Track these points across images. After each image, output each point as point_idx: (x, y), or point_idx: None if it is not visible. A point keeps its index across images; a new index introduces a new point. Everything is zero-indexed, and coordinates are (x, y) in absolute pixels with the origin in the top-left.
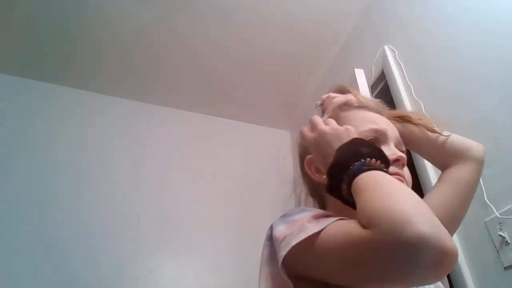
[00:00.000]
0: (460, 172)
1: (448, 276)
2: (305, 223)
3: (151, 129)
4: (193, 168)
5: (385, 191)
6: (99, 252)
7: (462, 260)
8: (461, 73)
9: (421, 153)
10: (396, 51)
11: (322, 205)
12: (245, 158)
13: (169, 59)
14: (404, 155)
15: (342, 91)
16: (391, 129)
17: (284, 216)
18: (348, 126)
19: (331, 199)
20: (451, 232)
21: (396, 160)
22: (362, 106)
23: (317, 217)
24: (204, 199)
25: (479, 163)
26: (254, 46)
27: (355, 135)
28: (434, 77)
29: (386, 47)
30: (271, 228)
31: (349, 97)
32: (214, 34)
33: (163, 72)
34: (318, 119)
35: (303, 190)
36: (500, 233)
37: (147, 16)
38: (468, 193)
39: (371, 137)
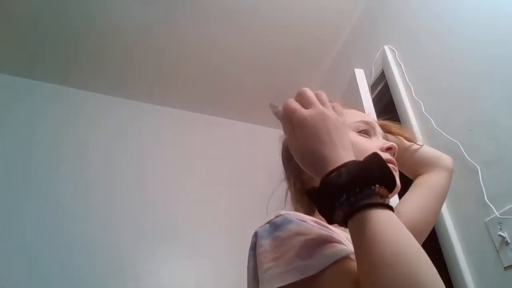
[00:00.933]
0: (433, 179)
1: (448, 276)
2: (293, 257)
3: (152, 129)
4: (193, 168)
5: (395, 249)
6: (99, 252)
7: (462, 260)
8: (461, 73)
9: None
10: (396, 51)
11: (308, 211)
12: (245, 158)
13: (169, 60)
14: (395, 145)
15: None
16: (378, 125)
17: (271, 224)
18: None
19: None
20: (425, 234)
21: (389, 148)
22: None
23: (310, 247)
24: (205, 199)
25: (449, 171)
26: (254, 46)
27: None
28: (434, 77)
29: (386, 47)
30: (255, 235)
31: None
32: (214, 34)
33: (163, 73)
34: (312, 95)
35: (287, 186)
36: (500, 233)
37: (148, 17)
38: (441, 198)
39: (362, 129)
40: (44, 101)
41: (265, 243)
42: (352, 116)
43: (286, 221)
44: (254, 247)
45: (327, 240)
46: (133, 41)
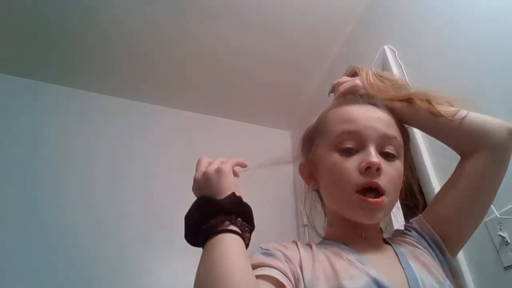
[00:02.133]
0: (473, 165)
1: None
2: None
3: (152, 129)
4: (193, 168)
5: (213, 261)
6: (98, 252)
7: (462, 260)
8: (461, 73)
9: (433, 135)
10: (396, 51)
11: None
12: (245, 158)
13: (169, 60)
14: (376, 161)
15: (352, 73)
16: (373, 127)
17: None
18: (221, 168)
19: (330, 212)
20: (475, 225)
21: (368, 168)
22: (361, 95)
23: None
24: None
25: (501, 149)
26: (254, 46)
27: (224, 181)
28: (434, 77)
29: (386, 47)
30: None
31: (356, 82)
32: (214, 34)
33: (164, 73)
34: (204, 160)
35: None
36: (500, 233)
37: (155, 18)
38: (483, 187)
39: (344, 146)
40: (51, 103)
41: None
42: (335, 127)
43: (254, 251)
44: None
45: (259, 265)
46: (140, 42)
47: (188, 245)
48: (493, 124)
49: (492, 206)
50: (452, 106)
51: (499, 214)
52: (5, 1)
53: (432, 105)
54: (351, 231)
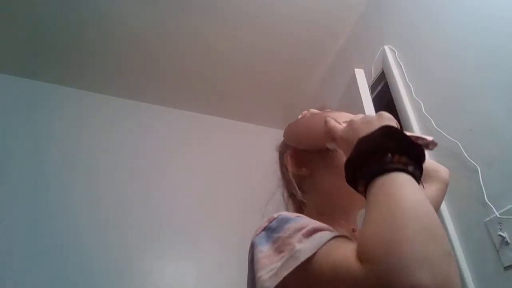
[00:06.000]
0: (427, 192)
1: None
2: (295, 244)
3: (151, 128)
4: (193, 168)
5: (394, 211)
6: (99, 252)
7: (462, 260)
8: (461, 73)
9: None
10: (396, 51)
11: (299, 206)
12: (245, 158)
13: (171, 60)
14: None
15: (322, 109)
16: None
17: (267, 230)
18: (382, 113)
19: (311, 200)
20: None
21: None
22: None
23: (308, 233)
24: (204, 199)
25: (445, 184)
26: (254, 46)
27: (388, 122)
28: (434, 77)
29: (386, 47)
30: (253, 246)
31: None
32: (215, 35)
33: (164, 73)
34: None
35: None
36: (500, 233)
37: (161, 19)
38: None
39: None
40: (58, 104)
41: (265, 249)
42: (342, 117)
43: (284, 221)
44: (252, 259)
45: (319, 229)
46: (145, 43)
47: (190, 246)
48: (440, 165)
49: (492, 206)
50: None
51: (499, 214)
52: (12, 3)
53: None
54: (344, 222)
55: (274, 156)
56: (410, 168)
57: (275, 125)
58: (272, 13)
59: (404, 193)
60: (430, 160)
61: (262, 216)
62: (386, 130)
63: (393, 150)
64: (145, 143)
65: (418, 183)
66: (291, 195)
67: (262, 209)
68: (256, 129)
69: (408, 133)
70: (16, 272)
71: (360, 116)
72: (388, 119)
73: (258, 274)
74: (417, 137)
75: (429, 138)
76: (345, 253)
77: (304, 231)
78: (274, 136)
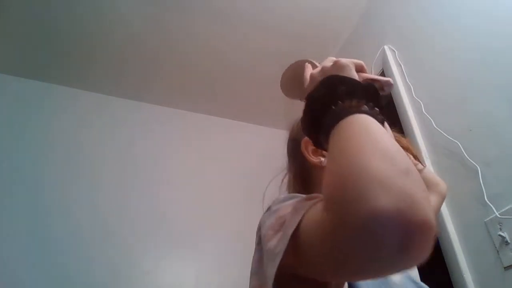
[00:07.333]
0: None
1: (448, 276)
2: (289, 216)
3: (151, 129)
4: (193, 168)
5: (348, 149)
6: (99, 251)
7: (462, 260)
8: (461, 73)
9: None
10: (396, 51)
11: (307, 188)
12: (245, 158)
13: (171, 60)
14: None
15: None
16: None
17: (269, 209)
18: (336, 61)
19: (317, 182)
20: None
21: None
22: None
23: (299, 203)
24: (204, 199)
25: (443, 198)
26: (254, 47)
27: (337, 71)
28: (434, 77)
29: (386, 47)
30: (260, 228)
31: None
32: (215, 35)
33: (165, 73)
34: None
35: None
36: (500, 233)
37: (161, 20)
38: None
39: None
40: (58, 104)
41: (270, 224)
42: None
43: (288, 197)
44: (259, 241)
45: (310, 198)
46: (131, 41)
47: (186, 245)
48: (440, 179)
49: (492, 206)
50: (417, 156)
51: (499, 214)
52: (15, 3)
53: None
54: None
55: (274, 156)
56: (364, 108)
57: (275, 125)
58: (273, 13)
59: (359, 131)
60: (430, 172)
61: (263, 203)
62: (329, 81)
63: (341, 97)
64: (145, 143)
65: (378, 120)
66: (301, 183)
67: (262, 209)
68: (256, 129)
69: (363, 75)
70: (16, 272)
71: (321, 66)
72: (339, 67)
73: (268, 245)
74: (373, 79)
75: (384, 79)
76: (317, 209)
77: (296, 201)
78: (274, 136)
